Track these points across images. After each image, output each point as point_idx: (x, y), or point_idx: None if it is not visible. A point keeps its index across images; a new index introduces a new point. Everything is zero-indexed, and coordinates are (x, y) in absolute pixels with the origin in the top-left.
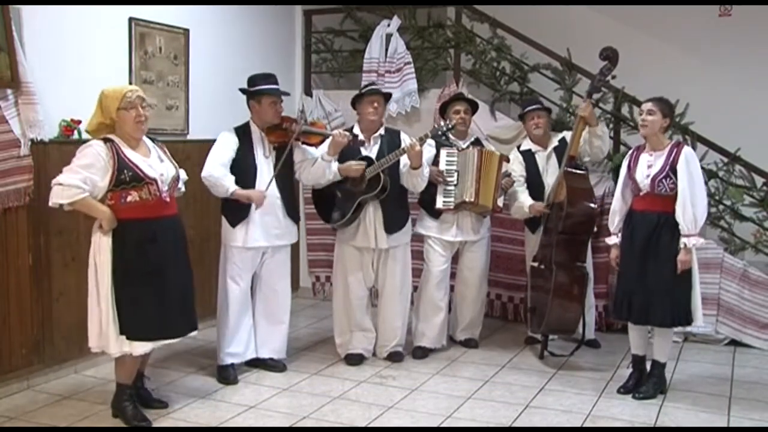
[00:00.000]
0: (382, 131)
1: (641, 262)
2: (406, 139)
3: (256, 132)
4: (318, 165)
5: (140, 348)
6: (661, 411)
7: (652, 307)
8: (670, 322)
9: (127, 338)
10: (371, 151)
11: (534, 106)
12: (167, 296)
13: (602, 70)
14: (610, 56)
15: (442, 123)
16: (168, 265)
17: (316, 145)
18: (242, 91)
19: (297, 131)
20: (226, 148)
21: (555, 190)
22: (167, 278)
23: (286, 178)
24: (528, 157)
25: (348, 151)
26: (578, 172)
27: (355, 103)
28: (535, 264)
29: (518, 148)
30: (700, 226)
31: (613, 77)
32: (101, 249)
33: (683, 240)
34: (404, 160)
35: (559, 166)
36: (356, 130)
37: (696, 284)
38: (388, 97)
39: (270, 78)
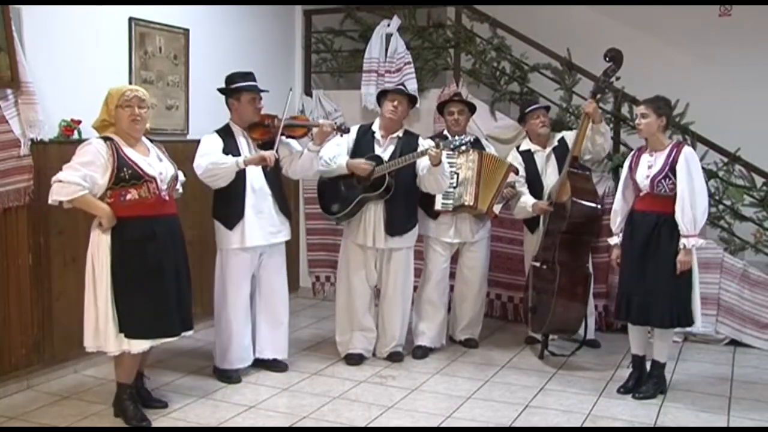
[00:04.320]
0: (400, 133)
1: (641, 263)
2: (424, 144)
3: (238, 132)
4: (305, 156)
5: (138, 346)
6: (661, 411)
7: (652, 308)
8: (669, 323)
9: (126, 336)
10: (385, 150)
11: (537, 105)
12: (165, 294)
13: (606, 71)
14: (614, 57)
15: (458, 137)
16: (166, 264)
17: (301, 136)
18: (220, 90)
19: (280, 125)
20: (211, 144)
21: (557, 191)
22: (165, 276)
23: (274, 176)
24: (527, 157)
25: (363, 147)
26: (582, 172)
27: (379, 99)
28: (537, 264)
29: (517, 148)
30: (700, 227)
31: (617, 78)
32: (100, 247)
33: (683, 241)
34: (424, 162)
35: (558, 166)
36: (375, 127)
37: (696, 285)
38: (413, 99)
39: (248, 76)
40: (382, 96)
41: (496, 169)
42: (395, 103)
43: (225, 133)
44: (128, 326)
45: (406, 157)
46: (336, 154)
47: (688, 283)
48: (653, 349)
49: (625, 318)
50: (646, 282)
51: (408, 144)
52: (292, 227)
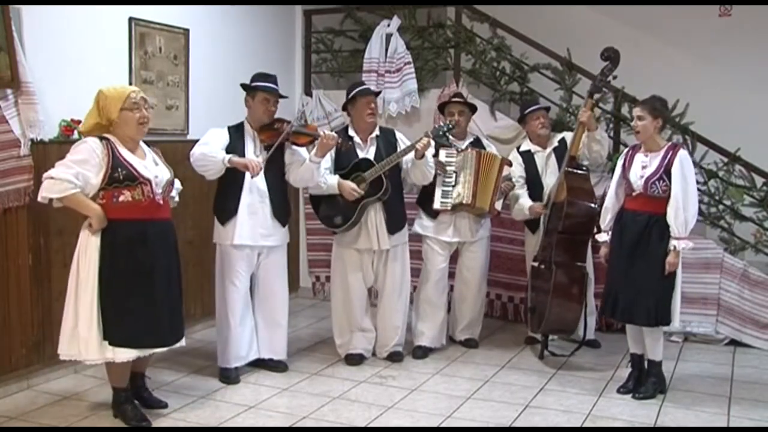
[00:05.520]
0: (377, 132)
1: (629, 262)
2: (402, 138)
3: (249, 131)
4: (306, 166)
5: (123, 355)
6: (661, 411)
7: (636, 307)
8: (653, 322)
9: (110, 344)
10: (368, 152)
11: (537, 106)
12: (155, 302)
13: (603, 71)
14: (611, 57)
15: (441, 123)
16: (157, 270)
17: (304, 145)
18: (242, 85)
19: (287, 130)
20: (213, 136)
21: (555, 191)
22: (156, 283)
23: (276, 180)
24: (528, 157)
25: (345, 154)
26: (579, 172)
27: (346, 105)
28: (536, 264)
29: (518, 149)
30: (690, 229)
31: (614, 77)
32: (88, 249)
33: (673, 242)
34: (409, 155)
35: (558, 167)
36: (351, 131)
37: (678, 285)
38: (377, 93)
39: (270, 77)
40: (351, 102)
41: (491, 165)
42: (372, 105)
43: (236, 130)
44: (114, 334)
45: (397, 154)
46: (323, 170)
47: (671, 283)
48: (647, 349)
49: (611, 315)
50: (633, 281)
51: (387, 140)
52: (291, 227)
